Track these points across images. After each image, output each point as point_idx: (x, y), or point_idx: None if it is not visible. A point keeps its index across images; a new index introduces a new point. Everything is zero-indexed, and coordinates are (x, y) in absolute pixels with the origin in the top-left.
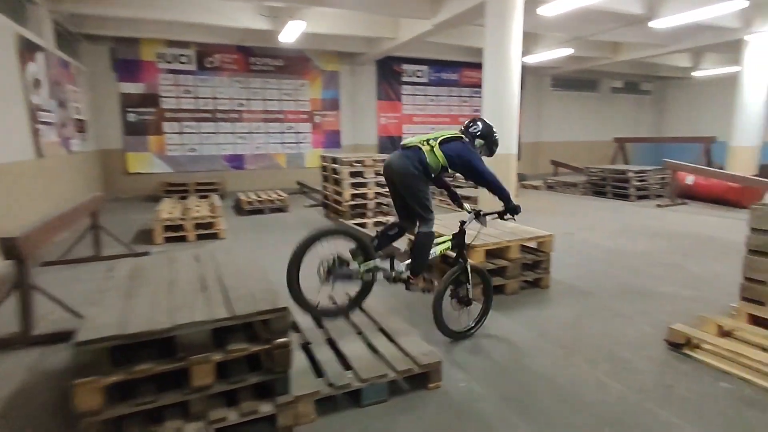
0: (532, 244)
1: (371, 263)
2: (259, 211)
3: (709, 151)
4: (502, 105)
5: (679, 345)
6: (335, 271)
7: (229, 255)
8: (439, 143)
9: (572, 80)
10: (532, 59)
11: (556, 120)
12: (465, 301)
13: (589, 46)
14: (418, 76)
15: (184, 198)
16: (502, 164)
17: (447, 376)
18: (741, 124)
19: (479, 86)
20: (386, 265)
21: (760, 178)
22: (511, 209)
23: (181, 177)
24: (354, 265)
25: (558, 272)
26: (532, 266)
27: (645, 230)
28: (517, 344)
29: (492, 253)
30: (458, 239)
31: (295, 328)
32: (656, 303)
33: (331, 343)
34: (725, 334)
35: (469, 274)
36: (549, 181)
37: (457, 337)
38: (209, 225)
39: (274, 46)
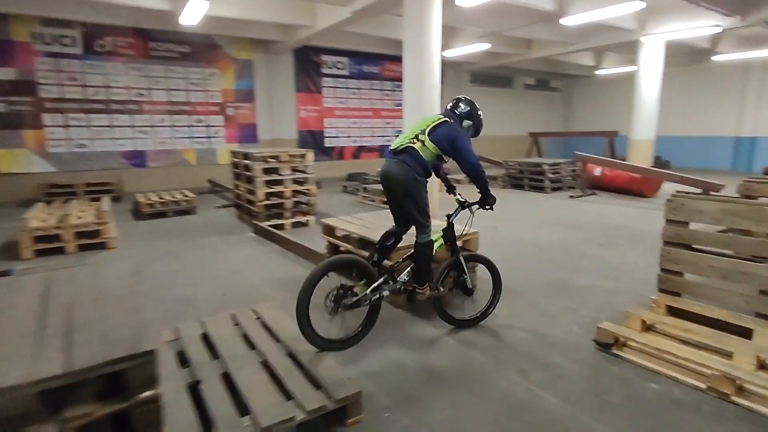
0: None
1: (376, 284)
2: (162, 215)
3: (613, 144)
4: (423, 99)
5: (608, 345)
6: (343, 301)
7: (96, 275)
8: (428, 134)
9: (489, 76)
10: (451, 53)
11: None
12: (467, 291)
13: (504, 42)
14: (338, 68)
15: (68, 201)
16: None
17: (371, 408)
18: (639, 119)
19: (401, 80)
20: (390, 278)
21: (659, 169)
22: (489, 200)
23: (67, 177)
24: (359, 290)
25: (485, 270)
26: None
27: (562, 221)
28: (447, 358)
29: None
30: (448, 234)
31: (183, 361)
32: (581, 298)
33: (227, 379)
34: (648, 328)
35: (464, 265)
36: None
37: (461, 324)
38: (95, 233)
39: (177, 30)
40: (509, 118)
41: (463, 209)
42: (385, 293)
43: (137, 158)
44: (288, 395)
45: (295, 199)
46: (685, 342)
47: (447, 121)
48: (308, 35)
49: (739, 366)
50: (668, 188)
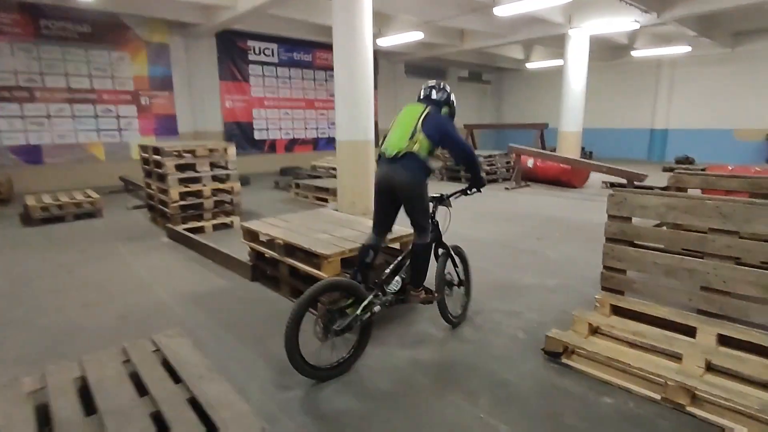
0: (394, 245)
1: (366, 302)
2: (59, 219)
3: (543, 136)
4: (356, 88)
5: (557, 354)
6: (333, 327)
7: None
8: (422, 130)
9: (424, 68)
10: (385, 42)
11: None
12: (460, 283)
13: (439, 32)
14: (266, 55)
15: None
16: (360, 151)
17: None
18: (567, 111)
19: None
20: (379, 292)
21: (588, 161)
22: (482, 182)
23: None
24: (350, 311)
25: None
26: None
27: (499, 215)
28: (387, 381)
29: (349, 260)
30: (434, 231)
31: (45, 422)
32: (524, 299)
33: None
34: (595, 330)
35: (455, 258)
36: None
37: (457, 323)
38: None
39: (74, 6)
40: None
41: (440, 203)
42: (377, 309)
43: (31, 154)
44: None
45: (216, 199)
46: (633, 345)
47: (430, 111)
48: (230, 17)
49: (689, 370)
50: (595, 179)
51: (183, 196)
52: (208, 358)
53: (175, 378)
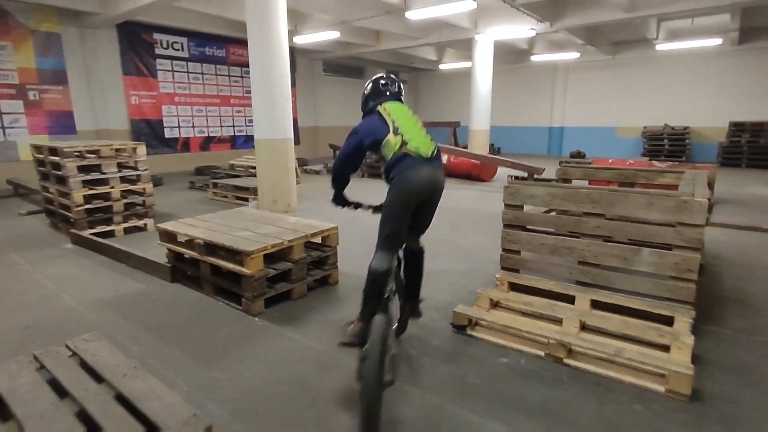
0: (317, 239)
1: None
2: None
3: (456, 134)
4: (273, 85)
5: (463, 326)
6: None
7: None
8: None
9: (342, 66)
10: (302, 39)
11: (331, 104)
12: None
13: (355, 32)
14: (175, 49)
15: None
16: (280, 149)
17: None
18: (476, 110)
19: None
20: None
21: (495, 156)
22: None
23: None
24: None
25: (346, 263)
26: (318, 263)
27: None
28: (309, 365)
29: (272, 256)
30: None
31: None
32: (437, 282)
33: None
34: (495, 304)
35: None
36: (329, 165)
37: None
38: None
39: None
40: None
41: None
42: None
43: None
44: None
45: (127, 201)
46: (525, 314)
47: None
48: (132, 8)
49: (567, 330)
50: (502, 173)
51: (88, 199)
52: (130, 358)
53: (97, 379)
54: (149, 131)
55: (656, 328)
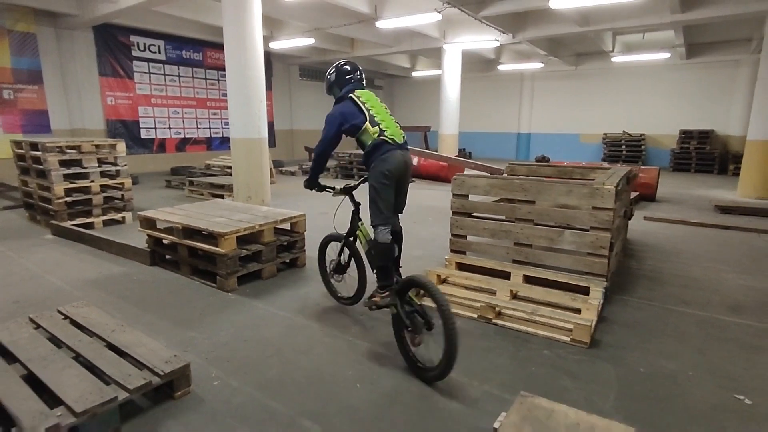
0: (286, 226)
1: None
2: None
3: (427, 138)
4: (248, 87)
5: None
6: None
7: None
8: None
9: (318, 71)
10: (277, 45)
11: (306, 108)
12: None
13: (330, 39)
14: (152, 52)
15: None
16: (254, 148)
17: (199, 379)
18: (445, 116)
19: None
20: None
21: (461, 158)
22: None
23: None
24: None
25: (312, 249)
26: (287, 247)
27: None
28: (276, 327)
29: (244, 239)
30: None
31: None
32: None
33: (31, 380)
34: (443, 281)
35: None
36: (304, 166)
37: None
38: None
39: None
40: None
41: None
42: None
43: None
44: (108, 382)
45: (106, 195)
46: (467, 288)
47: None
48: (111, 12)
49: (499, 298)
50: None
51: (69, 192)
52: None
53: (88, 334)
54: (125, 131)
55: (573, 296)
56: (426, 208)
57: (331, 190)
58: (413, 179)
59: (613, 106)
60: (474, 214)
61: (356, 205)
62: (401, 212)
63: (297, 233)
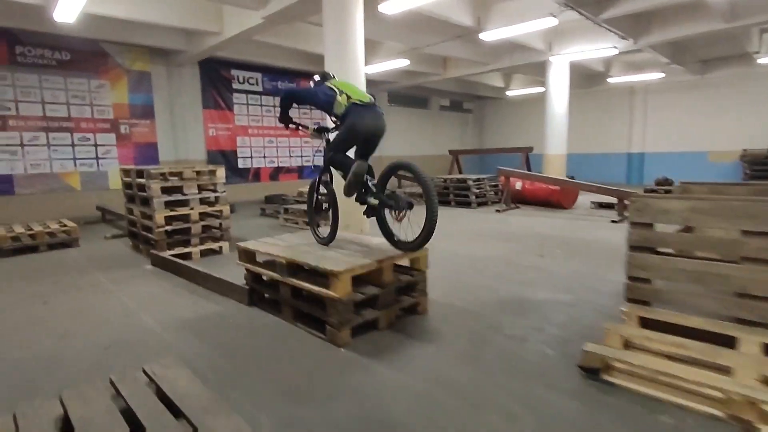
0: (404, 261)
1: None
2: (31, 249)
3: (528, 160)
4: None
5: (596, 370)
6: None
7: None
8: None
9: (407, 97)
10: (372, 69)
11: (396, 134)
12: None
13: (422, 60)
14: (250, 84)
15: None
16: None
17: None
18: (551, 134)
19: None
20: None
21: (576, 181)
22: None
23: None
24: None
25: (430, 290)
26: (405, 289)
27: (496, 235)
28: (410, 404)
29: (358, 279)
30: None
31: None
32: (542, 314)
33: None
34: (627, 344)
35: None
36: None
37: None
38: None
39: (53, 32)
40: (427, 138)
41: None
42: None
43: (2, 184)
44: None
45: (204, 223)
46: (673, 358)
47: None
48: (215, 44)
49: (745, 383)
50: (583, 200)
51: (169, 220)
52: (209, 389)
53: (175, 412)
54: (223, 162)
55: None
56: (546, 237)
57: (305, 129)
58: (516, 205)
59: (754, 117)
60: (664, 250)
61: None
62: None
63: (418, 271)
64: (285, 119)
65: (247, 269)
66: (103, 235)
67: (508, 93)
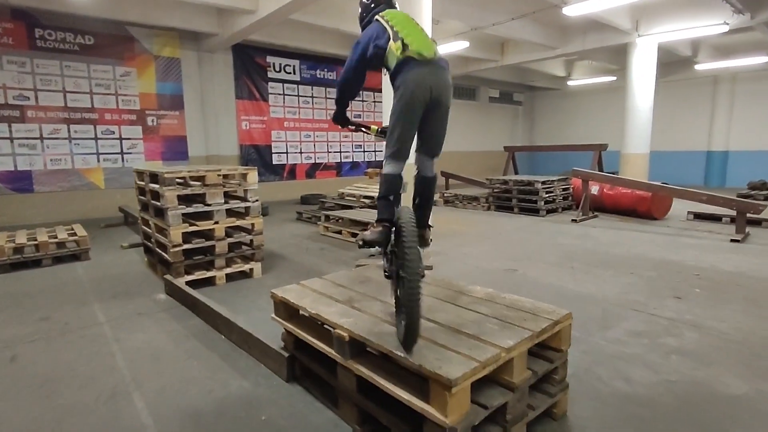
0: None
1: None
2: (35, 263)
3: (601, 159)
4: None
5: None
6: None
7: None
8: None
9: (460, 88)
10: None
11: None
12: None
13: (479, 44)
14: (287, 72)
15: None
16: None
17: None
18: (632, 130)
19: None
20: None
21: (680, 188)
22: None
23: None
24: None
25: (580, 391)
26: (538, 381)
27: (590, 257)
28: None
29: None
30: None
31: None
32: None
33: None
34: None
35: None
36: (446, 194)
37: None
38: None
39: (72, 13)
40: (475, 132)
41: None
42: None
43: (20, 181)
44: None
45: (232, 240)
46: None
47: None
48: (249, 24)
49: None
50: (678, 209)
51: (187, 237)
52: None
53: None
54: (257, 157)
55: None
56: (659, 265)
57: (367, 131)
58: (594, 213)
59: None
60: None
61: None
62: (435, 154)
63: (556, 351)
64: (341, 119)
65: (286, 330)
66: (121, 243)
67: (570, 83)
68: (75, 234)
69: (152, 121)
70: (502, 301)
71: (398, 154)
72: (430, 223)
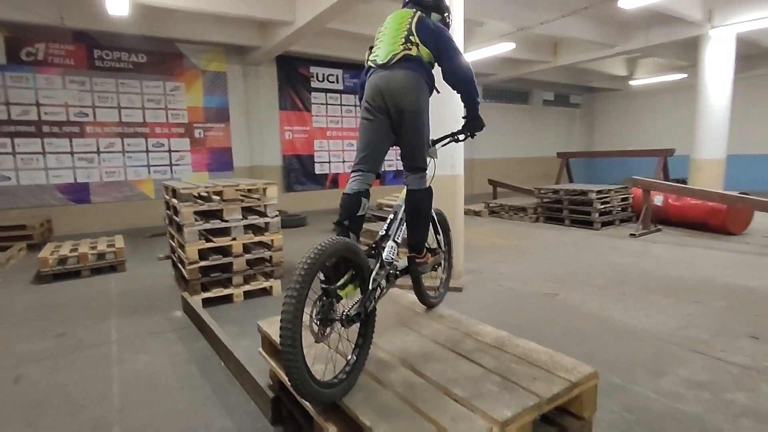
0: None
1: (373, 273)
2: (75, 274)
3: (666, 166)
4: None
5: None
6: (335, 314)
7: None
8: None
9: (504, 91)
10: (469, 57)
11: (490, 134)
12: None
13: (528, 44)
14: (330, 82)
15: None
16: (447, 188)
17: None
18: (704, 133)
19: None
20: (377, 262)
21: (754, 197)
22: (479, 123)
23: None
24: (349, 289)
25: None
26: None
27: (648, 281)
28: None
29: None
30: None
31: None
32: None
33: None
34: None
35: (436, 224)
36: (492, 204)
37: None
38: None
39: (128, 33)
40: (527, 137)
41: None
42: (383, 284)
43: (78, 192)
44: None
45: (250, 256)
46: None
47: (422, 15)
48: (288, 35)
49: None
50: (759, 223)
51: (204, 254)
52: None
53: None
54: (299, 167)
55: None
56: (735, 292)
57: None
58: (657, 226)
59: None
60: None
61: None
62: (411, 165)
63: (576, 419)
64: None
65: (272, 370)
66: (158, 254)
67: (633, 82)
68: (113, 246)
69: (199, 133)
70: (513, 350)
71: (355, 170)
72: (431, 245)
